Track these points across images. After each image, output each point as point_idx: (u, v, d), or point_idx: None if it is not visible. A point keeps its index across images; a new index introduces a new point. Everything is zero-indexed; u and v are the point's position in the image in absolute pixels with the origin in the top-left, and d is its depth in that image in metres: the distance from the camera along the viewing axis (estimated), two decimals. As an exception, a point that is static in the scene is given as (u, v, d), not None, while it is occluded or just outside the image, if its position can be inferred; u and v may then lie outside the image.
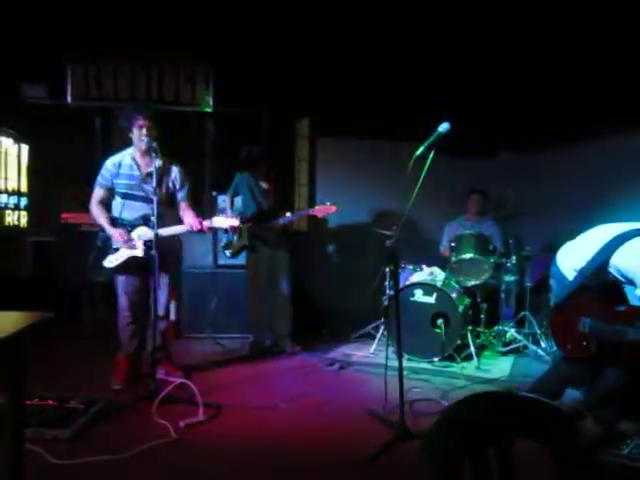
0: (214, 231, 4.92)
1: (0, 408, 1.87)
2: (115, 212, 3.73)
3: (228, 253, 4.79)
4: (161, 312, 3.75)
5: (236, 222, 3.68)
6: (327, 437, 3.00)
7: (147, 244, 3.62)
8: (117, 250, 3.67)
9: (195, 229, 3.64)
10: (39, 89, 5.63)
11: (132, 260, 3.66)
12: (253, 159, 4.67)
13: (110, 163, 3.70)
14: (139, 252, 3.65)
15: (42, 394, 3.13)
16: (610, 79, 4.31)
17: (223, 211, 4.85)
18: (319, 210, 4.45)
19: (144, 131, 3.56)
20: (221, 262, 5.26)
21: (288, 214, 4.66)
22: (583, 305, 2.80)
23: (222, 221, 3.67)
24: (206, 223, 3.64)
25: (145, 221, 3.65)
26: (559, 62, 4.38)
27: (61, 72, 5.64)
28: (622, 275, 2.70)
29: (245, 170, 4.74)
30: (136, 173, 3.68)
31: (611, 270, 2.74)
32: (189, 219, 3.73)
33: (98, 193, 3.73)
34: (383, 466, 2.65)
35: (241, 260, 4.84)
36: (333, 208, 4.43)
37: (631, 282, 2.68)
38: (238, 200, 4.80)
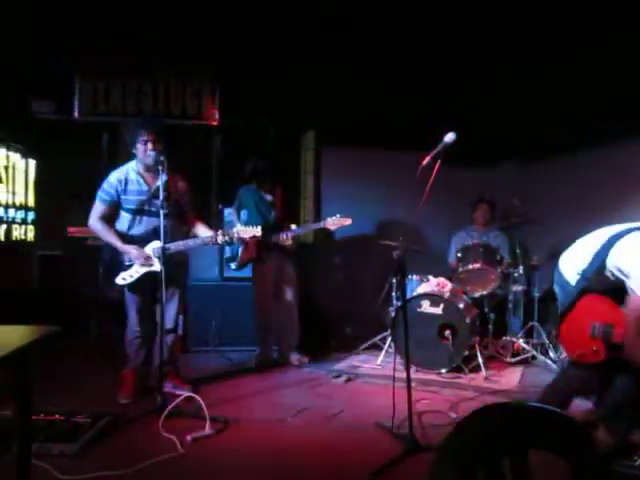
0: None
1: (7, 423, 1.86)
2: (122, 228, 3.68)
3: (233, 266, 4.79)
4: (170, 326, 3.74)
5: (259, 232, 3.65)
6: (335, 450, 2.97)
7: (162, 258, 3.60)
8: (130, 266, 3.63)
9: (220, 242, 3.61)
10: (47, 104, 5.69)
11: (149, 275, 3.62)
12: (258, 172, 4.69)
13: (115, 179, 3.64)
14: (156, 267, 3.59)
15: (49, 409, 3.12)
16: (612, 85, 4.31)
17: (230, 224, 4.86)
18: (332, 223, 4.40)
19: (149, 146, 3.56)
20: (227, 275, 5.25)
21: (293, 226, 4.66)
22: (590, 309, 2.78)
23: (245, 231, 3.64)
24: (227, 234, 3.61)
25: (156, 235, 3.61)
26: (566, 71, 4.38)
27: (69, 87, 5.70)
28: (621, 272, 2.69)
29: (250, 183, 4.75)
30: (145, 188, 3.66)
31: (610, 269, 2.72)
32: (207, 231, 3.73)
33: (100, 208, 3.64)
34: (392, 477, 2.61)
35: (247, 272, 4.83)
36: (348, 220, 4.39)
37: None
38: (244, 213, 4.80)
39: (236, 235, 3.62)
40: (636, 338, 2.56)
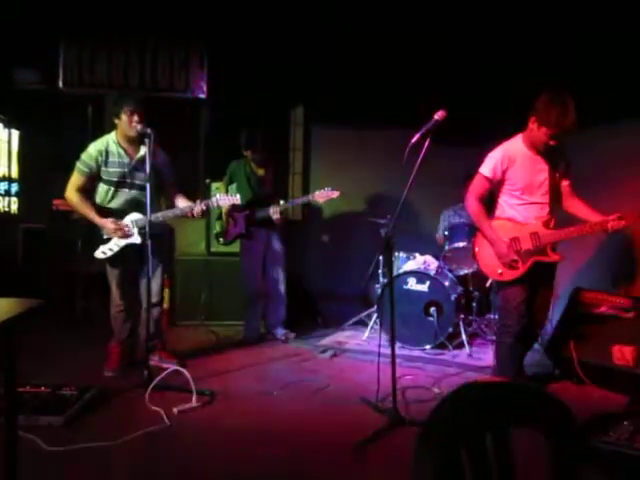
0: (208, 215, 4.90)
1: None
2: (102, 201, 3.61)
3: (221, 240, 4.78)
4: (154, 299, 3.73)
5: (237, 200, 3.65)
6: (320, 424, 3.01)
7: (142, 230, 3.58)
8: (108, 240, 3.59)
9: (198, 211, 3.59)
10: (31, 74, 5.56)
11: (129, 248, 3.59)
12: (255, 140, 4.59)
13: (95, 151, 3.54)
14: (136, 239, 3.57)
15: (35, 381, 3.12)
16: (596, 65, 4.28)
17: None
18: (320, 195, 4.40)
19: (135, 117, 3.49)
20: (214, 249, 5.24)
21: (282, 202, 4.64)
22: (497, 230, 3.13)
23: (224, 199, 3.63)
24: (207, 202, 3.60)
25: (136, 207, 3.60)
26: (556, 49, 4.35)
27: (53, 56, 5.56)
28: None
29: (242, 157, 4.71)
30: (126, 160, 3.59)
31: None
32: (186, 201, 3.71)
33: (79, 180, 3.55)
34: (376, 452, 2.67)
35: (235, 248, 4.83)
36: (335, 193, 4.39)
37: None
38: (232, 188, 4.77)
39: (215, 203, 3.61)
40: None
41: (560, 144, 2.94)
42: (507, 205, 3.16)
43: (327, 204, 4.77)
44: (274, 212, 4.48)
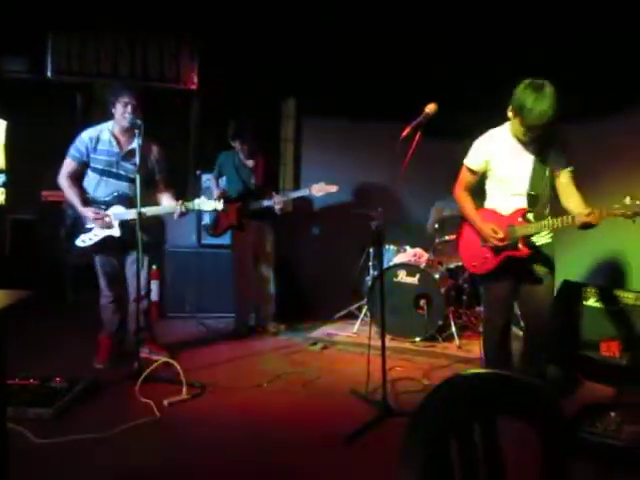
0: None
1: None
2: (88, 189, 3.62)
3: (211, 232, 4.76)
4: (142, 291, 3.72)
5: (220, 206, 3.60)
6: (310, 416, 3.03)
7: (123, 223, 3.56)
8: (90, 229, 3.58)
9: (177, 214, 3.57)
10: (19, 62, 5.48)
11: (108, 240, 3.59)
12: (244, 130, 4.55)
13: (87, 136, 3.56)
14: (115, 232, 3.57)
15: (24, 373, 3.11)
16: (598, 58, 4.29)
17: (208, 190, 4.80)
18: (318, 189, 4.38)
19: (129, 109, 3.48)
20: (205, 241, 5.22)
21: (274, 194, 4.63)
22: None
23: (205, 204, 3.58)
24: (187, 205, 3.56)
25: (120, 200, 3.58)
26: (552, 40, 4.35)
27: (42, 46, 5.49)
28: None
29: (230, 148, 4.69)
30: (115, 150, 3.58)
31: None
32: (170, 201, 3.69)
33: (70, 165, 3.58)
34: (365, 443, 2.69)
35: (225, 240, 4.82)
36: (334, 187, 4.37)
37: None
38: (222, 180, 4.75)
39: (196, 206, 3.58)
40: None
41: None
42: (491, 194, 3.13)
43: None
44: (277, 203, 4.44)
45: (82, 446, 2.53)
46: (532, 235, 2.92)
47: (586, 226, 2.68)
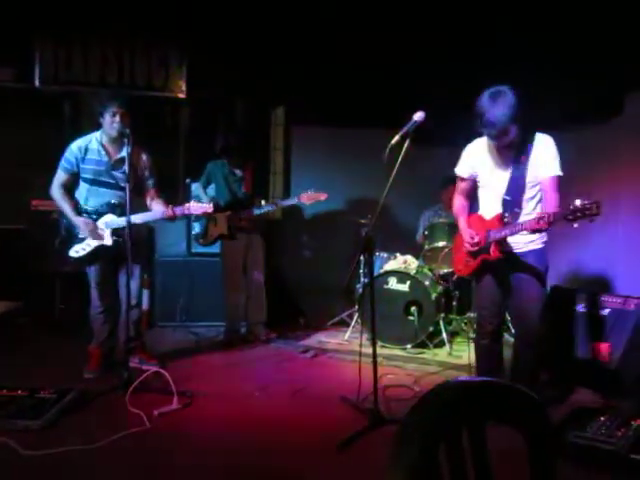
0: (187, 217, 4.88)
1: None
2: (80, 199, 3.64)
3: (201, 241, 4.76)
4: (133, 301, 3.71)
5: (210, 209, 3.65)
6: (301, 424, 3.02)
7: (115, 232, 3.56)
8: (83, 239, 3.59)
9: (167, 216, 3.60)
10: (6, 72, 5.46)
11: (101, 249, 3.59)
12: (229, 147, 4.63)
13: (76, 147, 3.59)
14: (107, 241, 3.58)
15: (12, 384, 3.07)
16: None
17: (197, 198, 4.80)
18: (307, 197, 4.41)
19: (117, 118, 3.49)
20: (195, 250, 5.21)
21: (263, 202, 4.64)
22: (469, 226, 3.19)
23: (197, 207, 3.62)
24: (179, 209, 3.60)
25: (111, 209, 3.59)
26: (544, 43, 4.40)
27: (29, 55, 5.47)
28: None
29: (219, 158, 4.69)
30: (104, 159, 3.60)
31: None
32: (159, 206, 3.70)
33: (61, 177, 3.61)
34: (356, 451, 2.68)
35: (215, 248, 4.81)
36: (323, 195, 4.40)
37: None
38: (211, 188, 4.75)
39: (187, 211, 3.60)
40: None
41: (531, 141, 2.92)
42: (481, 200, 3.21)
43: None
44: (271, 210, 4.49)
45: (71, 458, 2.50)
46: (503, 239, 2.94)
47: (537, 231, 2.74)
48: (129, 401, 3.08)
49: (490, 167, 3.06)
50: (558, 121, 3.92)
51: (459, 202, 3.28)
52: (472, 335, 4.83)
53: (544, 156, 2.93)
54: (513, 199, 2.97)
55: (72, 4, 5.07)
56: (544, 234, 3.01)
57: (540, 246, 3.05)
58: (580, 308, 3.69)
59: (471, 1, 4.54)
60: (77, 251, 3.60)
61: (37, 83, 5.53)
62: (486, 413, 0.89)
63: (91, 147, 3.60)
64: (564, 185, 2.98)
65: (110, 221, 3.58)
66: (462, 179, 3.22)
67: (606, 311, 3.61)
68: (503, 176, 3.02)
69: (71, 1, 5.05)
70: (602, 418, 2.70)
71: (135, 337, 3.73)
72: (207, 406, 3.21)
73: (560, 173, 2.93)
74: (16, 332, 3.19)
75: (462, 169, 3.20)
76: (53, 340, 4.38)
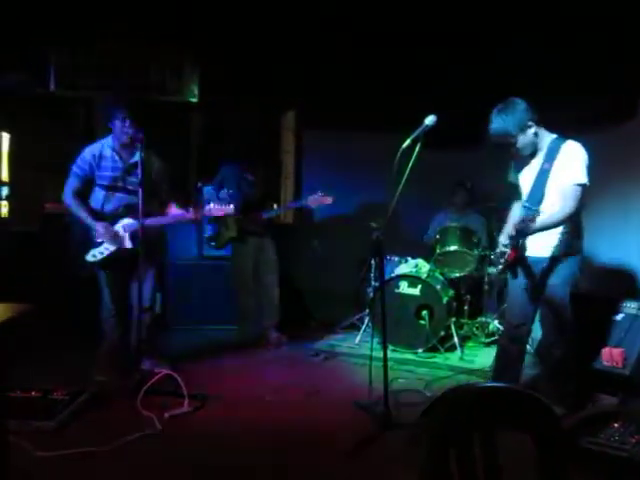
0: (200, 222, 4.91)
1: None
2: (96, 204, 3.66)
3: (213, 244, 4.78)
4: (146, 304, 3.73)
5: (231, 209, 3.68)
6: (311, 428, 3.02)
7: (133, 235, 3.59)
8: (100, 244, 3.61)
9: (189, 219, 3.62)
10: (22, 77, 5.53)
11: (118, 253, 3.61)
12: (240, 152, 4.65)
13: (89, 154, 3.60)
14: (127, 243, 3.61)
15: (26, 386, 3.10)
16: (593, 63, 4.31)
17: (209, 202, 4.83)
18: (313, 201, 4.42)
19: (127, 123, 3.52)
20: (206, 253, 5.24)
21: (275, 206, 4.66)
22: None
23: (218, 209, 3.65)
24: (201, 211, 3.63)
25: (128, 212, 3.62)
26: (549, 44, 4.37)
27: (44, 60, 5.55)
28: None
29: (231, 162, 4.72)
30: (119, 164, 3.63)
31: None
32: (175, 209, 3.72)
33: (74, 183, 3.62)
34: (368, 455, 2.67)
35: (226, 251, 4.83)
36: (328, 199, 4.41)
37: None
38: (224, 192, 4.77)
39: (207, 212, 3.63)
40: None
41: (556, 149, 2.95)
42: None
43: (320, 206, 4.78)
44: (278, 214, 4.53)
45: (83, 459, 2.52)
46: (517, 239, 2.97)
47: (520, 234, 2.88)
48: (140, 403, 3.09)
49: (523, 173, 3.18)
50: (573, 125, 3.90)
51: (514, 206, 3.38)
52: (484, 339, 4.82)
53: (565, 163, 2.93)
54: (530, 206, 2.99)
55: (87, 10, 5.13)
56: (557, 242, 2.98)
57: (546, 255, 3.03)
58: (594, 312, 3.66)
59: (487, 4, 4.52)
60: (94, 255, 3.61)
61: (52, 87, 5.61)
62: (497, 418, 0.89)
63: (104, 154, 3.62)
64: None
65: (128, 224, 3.61)
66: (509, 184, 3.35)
67: (620, 316, 3.57)
68: (528, 183, 3.09)
69: (86, 7, 5.11)
70: (616, 424, 2.67)
71: (147, 340, 3.75)
72: (218, 409, 3.22)
73: (581, 181, 2.89)
74: (30, 334, 3.21)
75: (509, 175, 3.33)
76: (66, 342, 4.42)
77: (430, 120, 2.94)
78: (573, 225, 3.00)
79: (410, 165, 2.92)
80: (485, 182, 5.36)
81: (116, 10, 5.15)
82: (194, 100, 5.81)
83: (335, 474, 2.55)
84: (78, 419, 2.96)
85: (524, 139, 2.95)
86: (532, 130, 2.95)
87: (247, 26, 5.17)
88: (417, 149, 2.92)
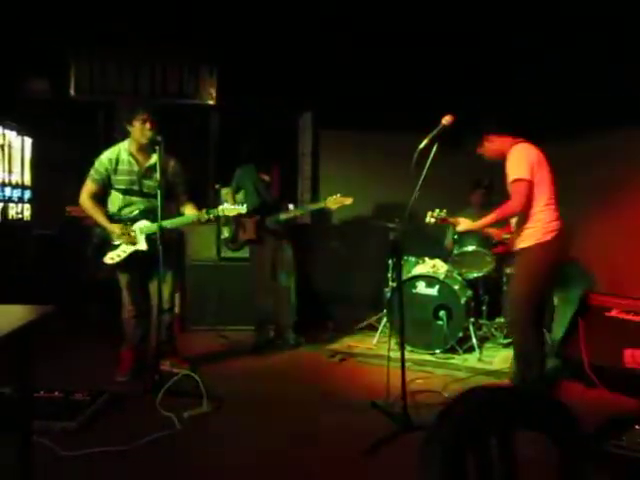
0: (217, 221, 4.95)
1: (8, 401, 1.89)
2: (113, 208, 3.70)
3: (230, 246, 4.81)
4: (165, 305, 3.77)
5: (244, 210, 3.69)
6: (330, 428, 3.02)
7: (150, 237, 3.63)
8: (117, 246, 3.65)
9: (202, 219, 3.65)
10: (42, 83, 5.64)
11: (135, 255, 3.65)
12: (256, 153, 4.67)
13: (106, 159, 3.64)
14: (142, 246, 3.65)
15: (48, 387, 3.16)
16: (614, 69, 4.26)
17: (224, 203, 4.86)
18: (333, 202, 4.42)
19: (147, 125, 3.56)
20: (224, 255, 5.27)
21: (291, 206, 4.67)
22: None
23: (230, 209, 3.68)
24: (213, 211, 3.65)
25: (145, 215, 3.66)
26: (564, 54, 4.33)
27: (65, 66, 5.64)
28: None
29: (247, 164, 4.74)
30: (135, 168, 3.66)
31: None
32: (192, 210, 3.75)
33: (91, 187, 3.66)
34: (385, 456, 2.67)
35: (245, 253, 4.85)
36: (349, 200, 4.41)
37: None
38: (240, 195, 4.80)
39: (221, 212, 3.65)
40: None
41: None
42: None
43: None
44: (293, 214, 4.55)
45: (105, 458, 2.56)
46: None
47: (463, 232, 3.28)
48: (160, 404, 3.13)
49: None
50: (579, 126, 3.89)
51: None
52: (502, 340, 4.78)
53: (508, 165, 3.30)
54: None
55: (105, 16, 5.21)
56: (537, 232, 3.29)
57: (524, 244, 3.35)
58: (614, 313, 3.61)
59: (500, 5, 4.49)
60: (112, 257, 3.65)
61: (72, 93, 5.70)
62: (514, 421, 0.88)
63: (121, 158, 3.65)
64: (580, 189, 2.98)
65: (144, 226, 3.65)
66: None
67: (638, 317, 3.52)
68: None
69: (104, 13, 5.19)
70: (637, 427, 2.63)
71: (166, 341, 3.79)
72: (236, 409, 3.24)
73: (515, 176, 3.25)
74: (51, 336, 3.27)
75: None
76: (87, 344, 4.48)
77: (447, 120, 2.93)
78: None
79: (427, 165, 2.91)
80: (503, 181, 5.30)
81: (135, 15, 5.23)
82: (212, 102, 5.86)
83: (352, 476, 2.55)
84: (99, 419, 3.00)
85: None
86: None
87: (264, 29, 5.21)
88: (434, 149, 2.91)
